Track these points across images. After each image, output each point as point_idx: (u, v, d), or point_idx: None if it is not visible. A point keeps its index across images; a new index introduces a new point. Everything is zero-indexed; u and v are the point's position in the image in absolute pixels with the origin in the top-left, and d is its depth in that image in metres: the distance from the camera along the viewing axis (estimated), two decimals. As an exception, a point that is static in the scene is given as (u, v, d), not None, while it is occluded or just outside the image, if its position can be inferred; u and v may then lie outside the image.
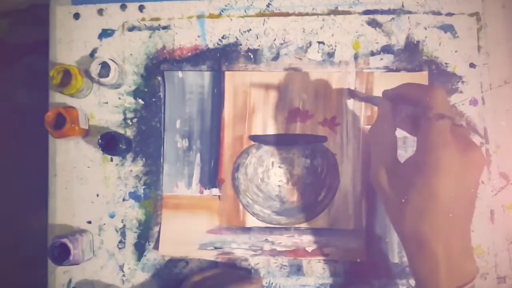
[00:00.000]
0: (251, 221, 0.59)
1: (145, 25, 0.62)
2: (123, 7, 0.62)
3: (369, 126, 0.59)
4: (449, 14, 0.60)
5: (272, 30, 0.61)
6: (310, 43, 0.60)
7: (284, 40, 0.61)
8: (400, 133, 0.58)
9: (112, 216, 0.60)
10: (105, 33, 0.62)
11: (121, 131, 0.61)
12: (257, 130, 0.60)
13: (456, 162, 0.39)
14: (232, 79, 0.60)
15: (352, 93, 0.59)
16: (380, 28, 0.60)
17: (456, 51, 0.60)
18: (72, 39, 0.62)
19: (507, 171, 0.58)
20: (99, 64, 0.58)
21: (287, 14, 0.61)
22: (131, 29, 0.62)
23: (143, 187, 0.60)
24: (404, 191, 0.42)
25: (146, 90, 0.61)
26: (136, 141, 0.61)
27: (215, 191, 0.60)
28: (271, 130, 0.60)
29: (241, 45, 0.61)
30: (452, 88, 0.59)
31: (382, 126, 0.47)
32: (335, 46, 0.60)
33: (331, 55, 0.60)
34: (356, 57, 0.60)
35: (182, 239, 0.59)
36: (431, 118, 0.40)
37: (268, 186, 0.59)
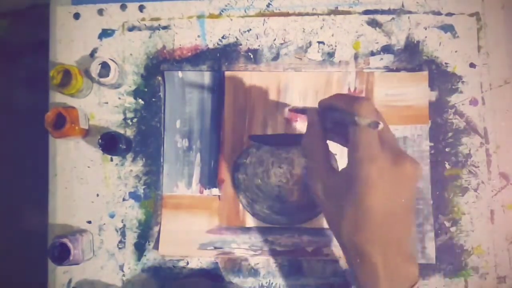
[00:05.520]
0: (251, 221, 0.59)
1: (145, 25, 0.62)
2: (123, 7, 0.62)
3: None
4: (449, 14, 0.60)
5: (272, 30, 0.61)
6: (310, 43, 0.60)
7: (284, 40, 0.61)
8: (400, 133, 0.59)
9: (112, 216, 0.60)
10: (105, 33, 0.62)
11: (121, 131, 0.61)
12: (257, 130, 0.60)
13: (386, 177, 0.38)
14: (232, 79, 0.60)
15: (292, 109, 0.58)
16: (380, 28, 0.60)
17: (456, 51, 0.60)
18: (72, 39, 0.62)
19: (507, 171, 0.58)
20: (99, 64, 0.58)
21: (287, 14, 0.61)
22: (131, 29, 0.62)
23: (143, 187, 0.60)
24: (339, 203, 0.41)
25: (146, 90, 0.61)
26: (136, 141, 0.61)
27: (215, 191, 0.60)
28: (271, 130, 0.60)
29: (241, 45, 0.61)
30: (452, 88, 0.59)
31: (311, 137, 0.46)
32: (335, 46, 0.60)
33: (331, 55, 0.60)
34: (356, 57, 0.60)
35: (182, 239, 0.59)
36: (357, 125, 0.38)
37: (268, 186, 0.59)
